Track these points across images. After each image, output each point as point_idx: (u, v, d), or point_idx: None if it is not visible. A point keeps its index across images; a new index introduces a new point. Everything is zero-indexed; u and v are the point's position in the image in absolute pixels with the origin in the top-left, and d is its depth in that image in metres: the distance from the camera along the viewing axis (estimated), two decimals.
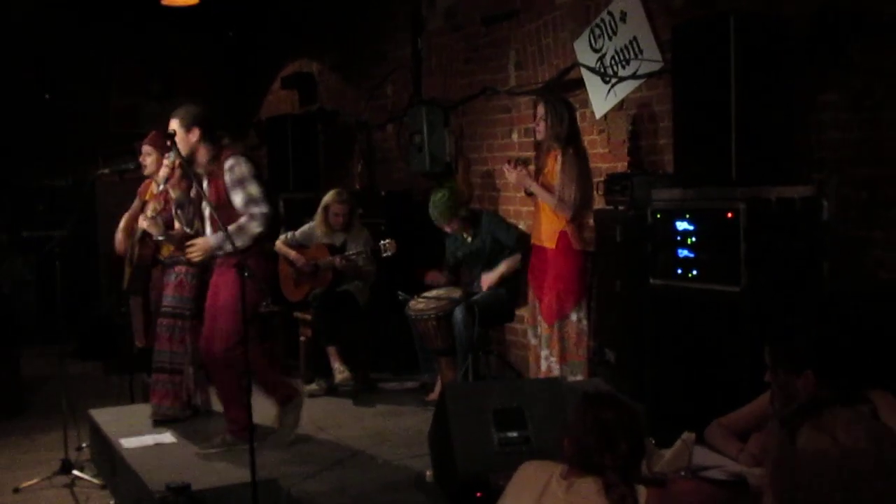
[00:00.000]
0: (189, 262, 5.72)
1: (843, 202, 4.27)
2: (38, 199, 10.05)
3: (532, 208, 6.49)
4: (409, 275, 6.51)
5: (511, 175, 5.54)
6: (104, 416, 5.87)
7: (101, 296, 9.01)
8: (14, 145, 9.98)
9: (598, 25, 5.76)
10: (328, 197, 6.66)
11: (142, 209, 5.89)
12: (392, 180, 8.17)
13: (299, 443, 5.21)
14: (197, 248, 4.90)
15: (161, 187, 5.42)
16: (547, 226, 5.33)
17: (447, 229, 6.16)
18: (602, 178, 5.59)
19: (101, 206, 8.25)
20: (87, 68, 10.34)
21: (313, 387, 6.44)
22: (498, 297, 6.03)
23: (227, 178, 4.86)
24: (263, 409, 5.31)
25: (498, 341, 6.77)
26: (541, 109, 5.39)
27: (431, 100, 7.50)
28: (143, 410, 5.95)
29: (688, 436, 3.16)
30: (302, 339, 6.78)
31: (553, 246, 5.28)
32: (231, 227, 4.74)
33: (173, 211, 5.25)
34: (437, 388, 6.13)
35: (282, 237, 6.76)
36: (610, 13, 5.66)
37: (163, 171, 4.91)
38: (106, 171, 5.96)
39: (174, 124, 4.95)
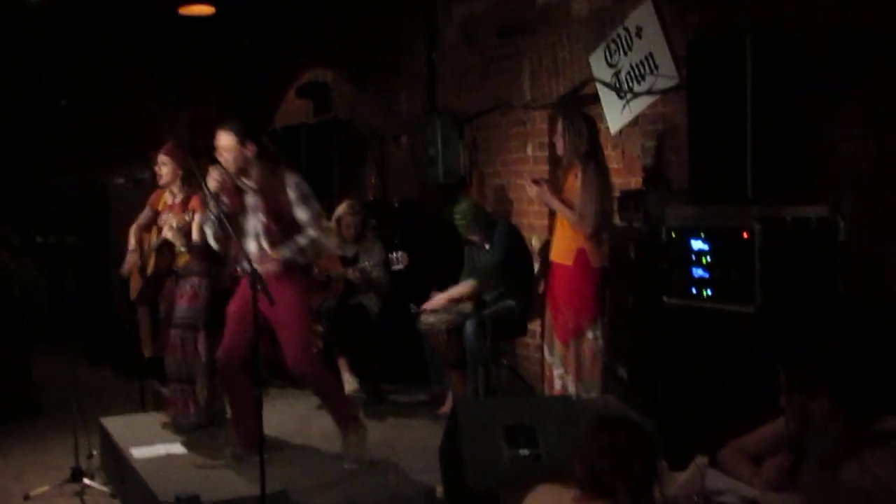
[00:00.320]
0: (202, 274, 5.75)
1: (858, 220, 4.24)
2: (50, 202, 10.08)
3: (546, 222, 6.52)
4: (421, 287, 6.50)
5: (532, 191, 5.54)
6: (115, 424, 5.88)
7: (112, 300, 9.03)
8: (28, 149, 10.04)
9: (613, 40, 5.75)
10: (340, 209, 6.66)
11: (155, 219, 5.90)
12: (405, 191, 8.17)
13: (309, 455, 5.20)
14: (268, 264, 4.80)
15: (175, 198, 5.40)
16: (565, 242, 5.31)
17: (474, 238, 6.15)
18: (616, 194, 5.58)
19: (114, 212, 8.27)
20: (102, 74, 10.39)
21: None
22: (509, 311, 6.01)
23: (293, 193, 4.88)
24: (273, 421, 5.32)
25: (510, 354, 6.75)
26: (560, 125, 5.38)
27: (446, 111, 7.51)
28: (153, 419, 5.97)
29: (701, 460, 3.13)
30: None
31: (570, 262, 5.25)
32: (303, 241, 4.82)
33: (212, 226, 5.10)
34: (448, 400, 6.12)
35: None
36: (626, 28, 5.65)
37: (212, 184, 4.87)
38: (121, 180, 6.00)
39: (226, 138, 4.90)
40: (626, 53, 5.67)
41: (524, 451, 4.10)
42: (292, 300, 4.92)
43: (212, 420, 5.84)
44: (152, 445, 5.42)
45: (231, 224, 4.86)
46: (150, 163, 5.83)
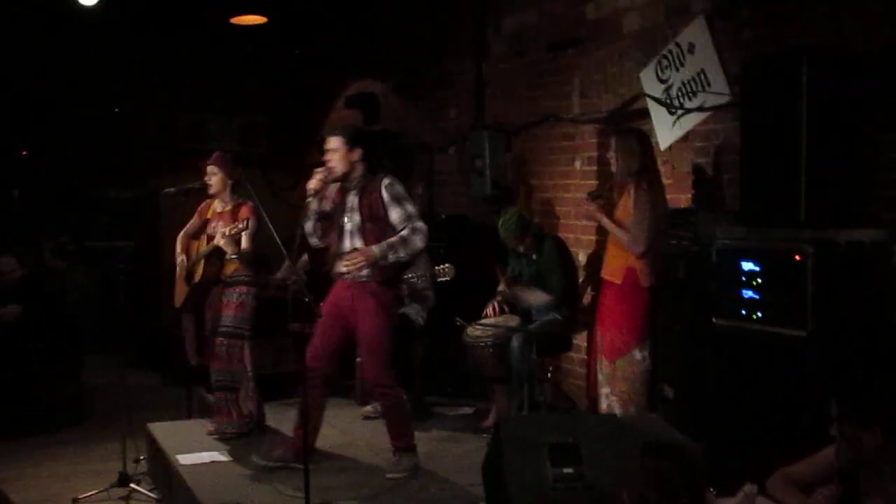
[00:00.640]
0: (250, 283, 5.79)
1: None
2: (103, 209, 10.27)
3: (593, 237, 6.49)
4: (467, 300, 6.49)
5: (583, 208, 5.53)
6: (162, 431, 5.95)
7: (161, 307, 9.14)
8: (82, 156, 10.22)
9: (665, 56, 5.72)
10: None
11: (203, 228, 5.96)
12: (452, 203, 8.18)
13: (352, 466, 5.21)
14: (358, 257, 4.89)
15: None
16: (616, 260, 5.27)
17: (520, 248, 6.13)
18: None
19: (164, 221, 8.39)
20: (155, 83, 10.55)
21: (368, 409, 6.45)
22: (555, 326, 5.99)
23: (386, 194, 5.01)
24: (320, 433, 5.35)
25: (555, 369, 6.72)
26: (613, 142, 5.35)
27: (494, 124, 7.51)
28: (199, 426, 6.03)
29: (750, 488, 3.09)
30: (358, 360, 6.79)
31: (620, 281, 5.22)
32: (394, 239, 4.92)
33: (311, 224, 5.21)
34: (492, 414, 6.10)
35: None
36: (678, 44, 5.61)
37: (313, 183, 4.99)
38: (172, 189, 6.06)
39: (336, 142, 5.06)
40: (677, 69, 5.63)
41: (568, 470, 4.07)
42: (375, 312, 5.00)
43: (253, 429, 5.88)
44: (198, 453, 5.48)
45: (330, 223, 5.00)
46: (201, 173, 5.88)
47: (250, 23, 9.71)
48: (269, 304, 7.80)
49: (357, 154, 5.05)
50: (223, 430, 5.80)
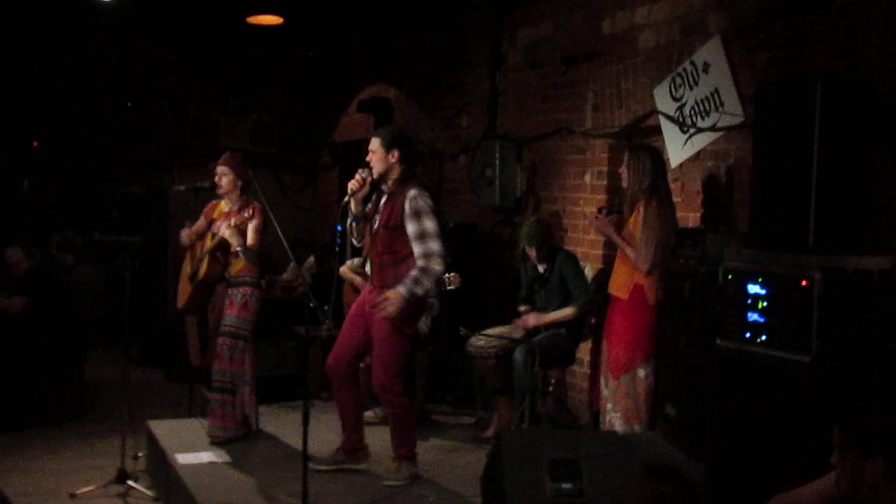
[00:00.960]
0: (254, 284, 5.78)
1: None
2: (113, 204, 10.32)
3: (600, 251, 6.49)
4: (472, 309, 6.49)
5: (593, 221, 5.53)
6: (162, 428, 5.96)
7: (167, 304, 9.17)
8: (94, 150, 10.26)
9: (679, 74, 5.72)
10: None
11: (208, 228, 5.94)
12: (460, 212, 8.18)
13: (351, 472, 5.22)
14: (390, 303, 4.86)
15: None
16: (623, 276, 5.28)
17: (532, 254, 6.12)
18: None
19: (172, 218, 8.42)
20: (168, 80, 10.59)
21: (369, 415, 6.42)
22: (559, 339, 5.99)
23: (408, 206, 4.94)
24: (317, 434, 5.35)
25: (557, 382, 6.70)
26: (626, 157, 5.36)
27: (506, 134, 7.52)
28: (200, 425, 6.03)
29: None
30: (360, 365, 6.78)
31: (626, 297, 5.22)
32: (414, 273, 4.86)
33: (348, 224, 5.20)
34: (493, 425, 6.10)
35: (348, 263, 6.79)
36: (693, 63, 5.62)
37: (353, 183, 4.99)
38: (181, 188, 6.05)
39: (375, 142, 5.06)
40: (691, 88, 5.64)
41: (567, 486, 4.07)
42: (396, 320, 4.99)
43: (247, 433, 5.84)
44: (197, 452, 5.49)
45: (364, 225, 5.05)
46: (211, 173, 5.88)
47: (266, 23, 9.75)
48: (273, 305, 7.85)
49: (395, 156, 5.01)
50: (215, 433, 5.73)
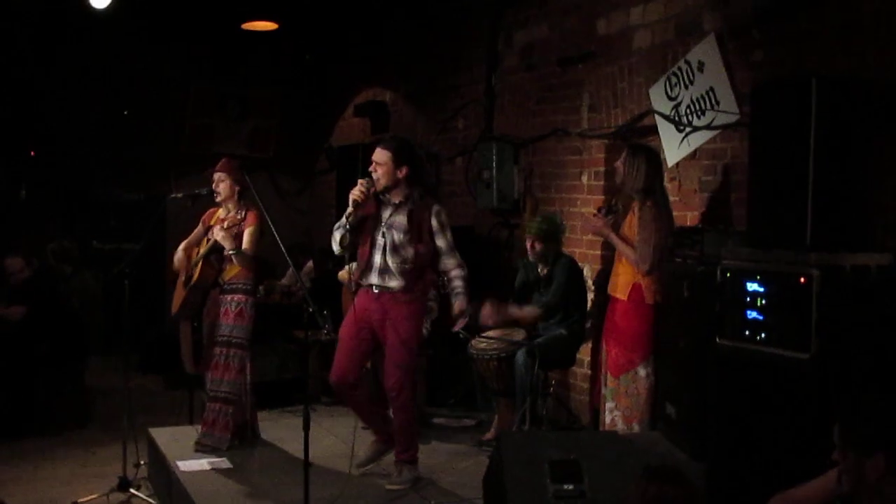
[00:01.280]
0: (248, 291, 5.75)
1: None
2: (111, 212, 10.31)
3: (599, 252, 6.49)
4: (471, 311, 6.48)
5: (590, 222, 5.55)
6: (163, 435, 5.96)
7: (165, 311, 9.16)
8: (91, 158, 10.25)
9: (674, 73, 5.72)
10: None
11: (205, 235, 5.90)
12: (458, 214, 8.17)
13: (352, 478, 5.21)
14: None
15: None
16: (622, 277, 5.28)
17: (535, 247, 6.07)
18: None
19: (170, 225, 8.41)
20: (165, 86, 10.58)
21: None
22: (560, 341, 5.99)
23: (436, 221, 5.09)
24: (318, 439, 5.35)
25: (558, 383, 6.71)
26: (624, 155, 5.37)
27: (502, 136, 7.52)
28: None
29: None
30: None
31: (625, 297, 5.22)
32: (463, 280, 5.15)
33: (341, 232, 5.11)
34: (494, 427, 6.10)
35: (347, 267, 6.78)
36: (687, 62, 5.62)
37: (357, 194, 4.97)
38: (179, 195, 6.03)
39: (383, 155, 5.03)
40: (686, 87, 5.64)
41: (568, 487, 4.07)
42: (406, 324, 5.04)
43: (242, 439, 5.80)
44: (198, 459, 5.48)
45: (363, 234, 5.03)
46: (209, 180, 5.86)
47: (262, 28, 9.75)
48: (273, 310, 7.85)
49: (404, 171, 5.02)
50: (204, 441, 5.68)
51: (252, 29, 9.72)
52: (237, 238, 5.64)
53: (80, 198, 10.32)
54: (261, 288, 7.28)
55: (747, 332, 4.12)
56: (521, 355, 5.78)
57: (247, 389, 5.78)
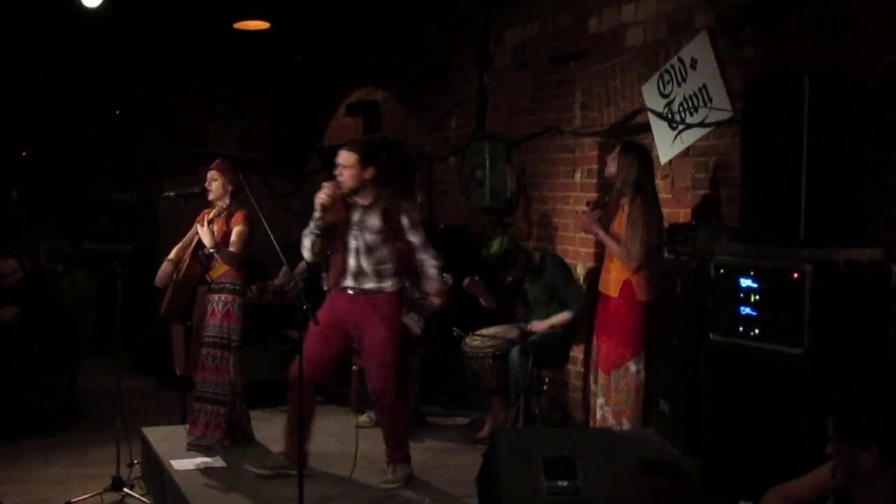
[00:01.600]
0: (235, 291, 5.71)
1: None
2: (102, 213, 10.27)
3: (592, 250, 6.49)
4: (465, 310, 6.49)
5: (581, 220, 5.56)
6: (156, 435, 5.94)
7: (157, 312, 9.13)
8: (83, 159, 10.22)
9: (667, 71, 5.73)
10: None
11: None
12: (451, 213, 8.19)
13: (347, 475, 5.21)
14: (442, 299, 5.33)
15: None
16: (612, 274, 5.29)
17: (507, 275, 6.18)
18: (664, 225, 5.54)
19: (162, 225, 8.39)
20: (156, 87, 10.56)
21: (364, 418, 6.44)
22: (554, 339, 6.00)
23: (407, 219, 5.13)
24: (315, 441, 5.34)
25: (552, 381, 6.71)
26: (616, 150, 5.38)
27: (495, 135, 7.52)
28: None
29: None
30: (354, 368, 6.79)
31: (616, 294, 5.23)
32: (435, 273, 5.21)
33: (311, 238, 5.13)
34: (488, 425, 6.10)
35: None
36: (680, 59, 5.63)
37: (324, 198, 4.97)
38: (171, 194, 6.00)
39: (349, 158, 5.04)
40: (679, 84, 5.65)
41: (563, 483, 4.07)
42: (385, 323, 5.04)
43: (231, 443, 5.76)
44: (192, 458, 5.47)
45: (334, 239, 5.02)
46: (201, 179, 5.85)
47: (253, 28, 9.73)
48: (266, 310, 7.83)
49: (370, 173, 5.05)
50: (196, 443, 5.64)
51: (244, 28, 9.70)
52: (225, 237, 5.61)
53: (72, 199, 10.28)
54: (254, 288, 7.26)
55: (741, 328, 4.13)
56: (514, 353, 5.79)
57: (236, 390, 5.74)
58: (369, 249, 5.05)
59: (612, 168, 5.40)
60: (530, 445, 4.16)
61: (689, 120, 5.57)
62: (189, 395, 6.44)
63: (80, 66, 10.13)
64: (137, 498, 5.47)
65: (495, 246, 6.13)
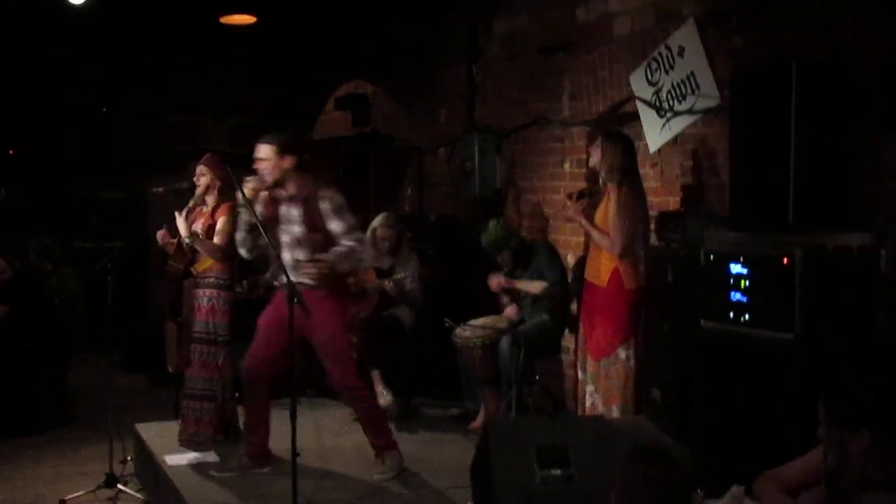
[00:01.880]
0: (220, 286, 5.68)
1: None
2: (92, 210, 10.23)
3: (582, 239, 6.50)
4: (456, 301, 6.50)
5: (564, 210, 5.56)
6: (149, 431, 5.94)
7: (147, 309, 9.11)
8: (71, 156, 10.18)
9: (655, 59, 5.73)
10: (376, 221, 6.68)
11: None
12: (442, 206, 8.18)
13: (339, 468, 5.21)
14: (317, 267, 4.85)
15: (196, 208, 5.35)
16: (599, 263, 5.29)
17: (500, 260, 6.18)
18: (654, 213, 5.55)
19: (152, 222, 8.37)
20: (144, 82, 10.51)
21: None
22: (544, 329, 6.01)
23: (325, 206, 4.95)
24: (304, 431, 5.34)
25: (543, 371, 6.72)
26: (599, 141, 5.38)
27: (485, 127, 7.52)
28: None
29: (737, 490, 3.10)
30: (356, 366, 6.77)
31: (604, 283, 5.24)
32: (344, 249, 4.89)
33: (242, 234, 5.13)
34: (480, 416, 6.11)
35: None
36: (668, 47, 5.63)
37: (248, 193, 4.94)
38: (160, 189, 5.98)
39: (266, 150, 4.98)
40: (667, 72, 5.65)
41: (556, 472, 4.09)
42: (330, 319, 4.98)
43: (226, 435, 5.77)
44: (186, 454, 5.47)
45: (267, 234, 4.92)
46: (190, 174, 5.83)
47: (240, 22, 9.70)
48: (257, 304, 7.80)
49: (288, 162, 4.97)
50: (192, 438, 5.62)
51: (230, 23, 9.66)
52: (210, 230, 5.61)
53: (61, 197, 10.24)
54: (244, 282, 7.24)
55: (731, 314, 4.15)
56: (505, 343, 5.80)
57: (225, 385, 5.72)
58: (298, 242, 4.98)
59: (595, 157, 5.41)
60: (523, 435, 4.17)
61: (677, 108, 5.57)
62: (181, 391, 6.45)
63: (67, 64, 10.08)
64: (131, 494, 5.47)
65: (492, 226, 6.14)
